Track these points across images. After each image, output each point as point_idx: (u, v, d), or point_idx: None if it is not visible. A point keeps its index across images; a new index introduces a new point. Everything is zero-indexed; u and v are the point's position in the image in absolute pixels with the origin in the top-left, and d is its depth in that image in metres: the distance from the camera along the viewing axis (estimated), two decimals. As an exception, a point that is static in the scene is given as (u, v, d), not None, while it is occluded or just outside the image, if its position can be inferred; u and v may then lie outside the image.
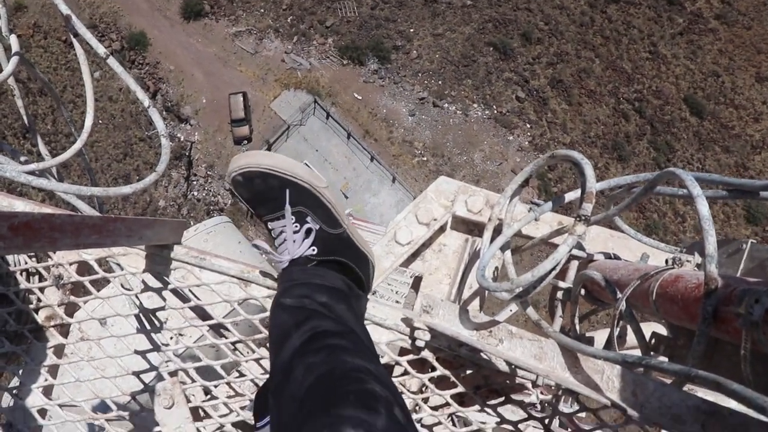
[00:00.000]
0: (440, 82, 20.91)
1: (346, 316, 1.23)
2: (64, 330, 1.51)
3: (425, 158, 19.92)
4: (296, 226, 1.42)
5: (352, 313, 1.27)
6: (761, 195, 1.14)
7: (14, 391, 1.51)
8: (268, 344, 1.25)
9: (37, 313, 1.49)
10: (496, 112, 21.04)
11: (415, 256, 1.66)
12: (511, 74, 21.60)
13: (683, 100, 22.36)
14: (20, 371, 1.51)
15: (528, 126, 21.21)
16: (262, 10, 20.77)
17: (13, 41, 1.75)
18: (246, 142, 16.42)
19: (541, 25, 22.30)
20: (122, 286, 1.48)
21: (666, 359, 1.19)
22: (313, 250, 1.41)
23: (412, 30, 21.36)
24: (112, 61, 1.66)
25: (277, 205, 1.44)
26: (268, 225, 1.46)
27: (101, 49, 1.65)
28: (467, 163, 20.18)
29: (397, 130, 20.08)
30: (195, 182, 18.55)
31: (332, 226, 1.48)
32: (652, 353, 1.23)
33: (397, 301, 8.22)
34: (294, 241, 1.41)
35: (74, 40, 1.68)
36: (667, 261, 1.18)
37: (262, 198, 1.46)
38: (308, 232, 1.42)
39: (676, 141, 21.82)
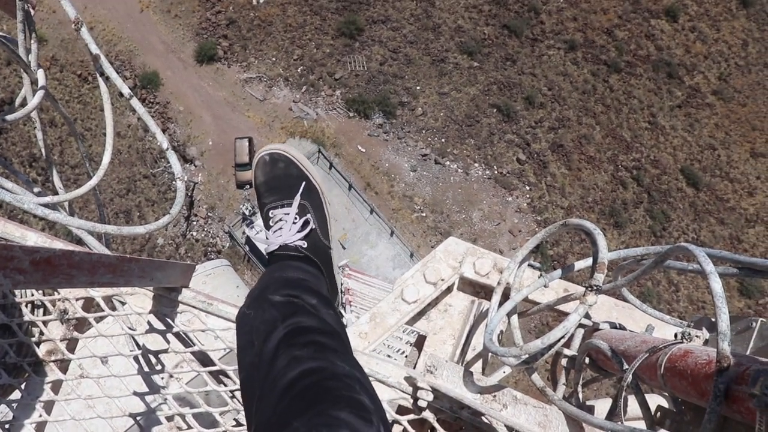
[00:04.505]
0: (443, 140, 21.17)
1: (333, 321, 1.23)
2: (63, 366, 1.49)
3: (424, 214, 19.99)
4: (296, 218, 1.50)
5: (337, 321, 1.27)
6: (771, 275, 1.15)
7: (6, 426, 1.48)
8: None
9: (38, 347, 1.47)
10: (496, 172, 21.23)
11: (420, 314, 1.66)
12: (513, 136, 21.88)
13: (680, 170, 22.63)
14: (14, 405, 1.48)
15: (527, 188, 21.37)
16: (274, 59, 21.17)
17: (41, 75, 1.79)
18: (248, 186, 16.46)
19: (544, 90, 22.73)
20: (125, 324, 1.48)
21: (672, 435, 1.18)
22: (304, 243, 1.49)
23: (418, 87, 21.75)
24: (135, 102, 1.69)
25: (286, 194, 1.54)
26: (269, 213, 1.55)
27: (125, 90, 1.68)
28: (465, 221, 20.24)
29: (398, 184, 20.22)
30: (195, 222, 18.55)
31: (324, 236, 1.57)
32: (657, 427, 1.22)
33: (404, 353, 8.04)
34: (290, 229, 1.48)
35: (100, 79, 1.72)
36: (676, 335, 1.18)
37: (276, 183, 1.56)
38: (305, 224, 1.51)
39: (672, 210, 21.99)
